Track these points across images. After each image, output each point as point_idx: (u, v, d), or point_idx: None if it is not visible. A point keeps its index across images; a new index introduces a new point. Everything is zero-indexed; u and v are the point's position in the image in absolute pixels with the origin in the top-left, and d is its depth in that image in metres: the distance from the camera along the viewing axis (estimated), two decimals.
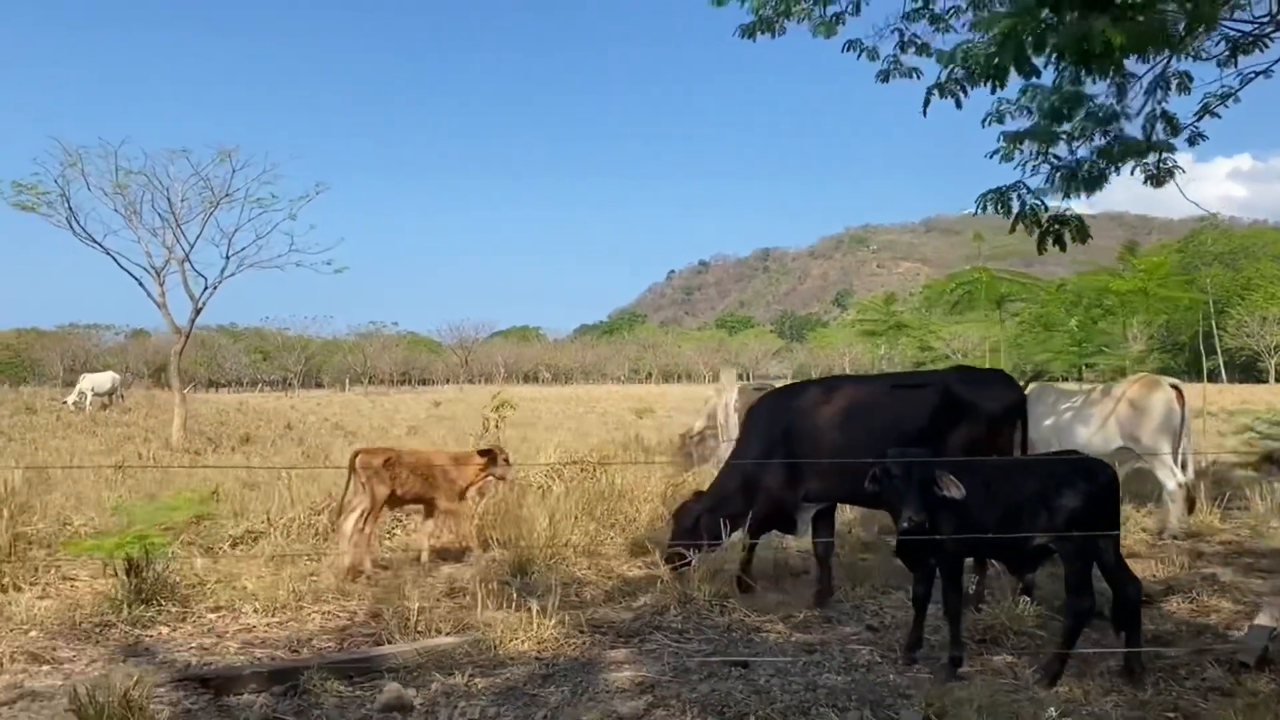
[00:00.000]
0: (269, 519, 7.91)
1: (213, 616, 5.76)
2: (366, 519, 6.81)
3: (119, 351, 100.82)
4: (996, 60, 6.00)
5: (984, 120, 8.25)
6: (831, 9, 12.51)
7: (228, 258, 19.90)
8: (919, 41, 8.11)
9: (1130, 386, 8.38)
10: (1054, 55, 5.84)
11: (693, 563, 6.12)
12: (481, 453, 7.47)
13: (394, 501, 7.13)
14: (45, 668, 4.80)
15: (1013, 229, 8.30)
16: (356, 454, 7.06)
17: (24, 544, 6.95)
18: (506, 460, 7.45)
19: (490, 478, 7.48)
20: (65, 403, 28.29)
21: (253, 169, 19.58)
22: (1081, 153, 8.26)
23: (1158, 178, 7.98)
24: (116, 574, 5.83)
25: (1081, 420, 8.42)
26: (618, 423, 28.82)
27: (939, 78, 7.38)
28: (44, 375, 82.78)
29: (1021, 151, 8.14)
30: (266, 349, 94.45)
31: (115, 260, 19.35)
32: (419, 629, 5.28)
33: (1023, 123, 8.19)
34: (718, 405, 13.89)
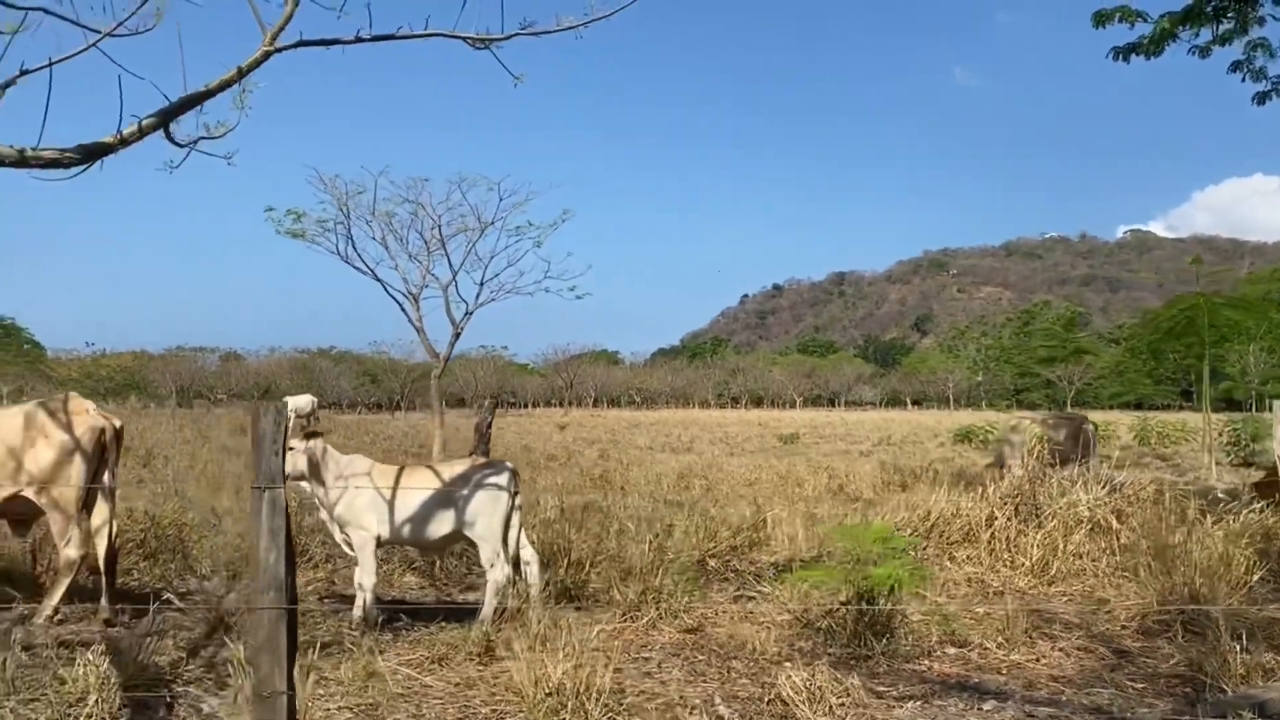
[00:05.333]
0: None
1: (953, 651, 5.70)
2: None
3: (222, 374, 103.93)
4: None
5: None
6: (1223, 28, 12.41)
7: (482, 284, 20.30)
8: None
9: None
10: None
11: None
12: None
13: None
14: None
15: None
16: None
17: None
18: None
19: None
20: None
21: (514, 197, 19.94)
22: None
23: None
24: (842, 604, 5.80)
25: None
26: (831, 449, 28.60)
27: None
28: (159, 395, 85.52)
29: None
30: (375, 372, 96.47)
31: (385, 287, 19.83)
32: None
33: None
34: (1021, 438, 14.52)
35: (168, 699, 4.74)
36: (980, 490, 8.58)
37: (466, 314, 20.04)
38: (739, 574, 7.89)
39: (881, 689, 5.06)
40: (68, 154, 3.72)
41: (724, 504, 11.23)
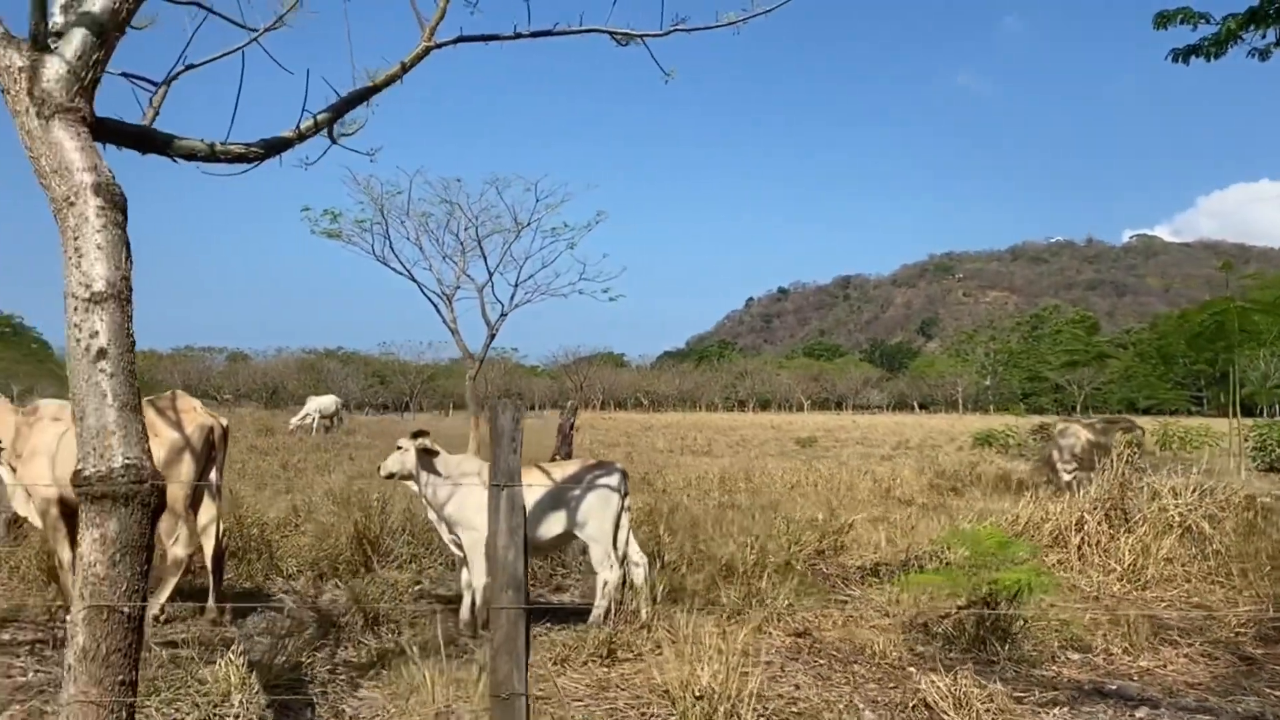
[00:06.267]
0: None
1: (1076, 657, 5.64)
2: None
3: (230, 374, 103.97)
4: None
5: None
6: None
7: (516, 285, 20.26)
8: None
9: None
10: None
11: None
12: None
13: None
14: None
15: None
16: None
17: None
18: None
19: None
20: (290, 424, 29.07)
21: (549, 198, 19.89)
22: None
23: None
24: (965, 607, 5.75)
25: None
26: (851, 453, 28.51)
27: None
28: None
29: None
30: (384, 373, 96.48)
31: (421, 288, 19.79)
32: None
33: None
34: (1072, 441, 14.75)
35: (313, 700, 4.69)
36: (1068, 496, 8.53)
37: (502, 315, 20.03)
38: (826, 577, 7.84)
39: (1019, 694, 5.01)
40: (253, 149, 3.68)
41: (784, 507, 11.16)
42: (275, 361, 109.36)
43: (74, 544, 6.54)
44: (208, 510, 6.27)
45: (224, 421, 6.41)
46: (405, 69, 4.17)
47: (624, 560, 6.28)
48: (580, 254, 20.63)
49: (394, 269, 19.48)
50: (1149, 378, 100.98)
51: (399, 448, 6.35)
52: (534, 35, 4.35)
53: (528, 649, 2.87)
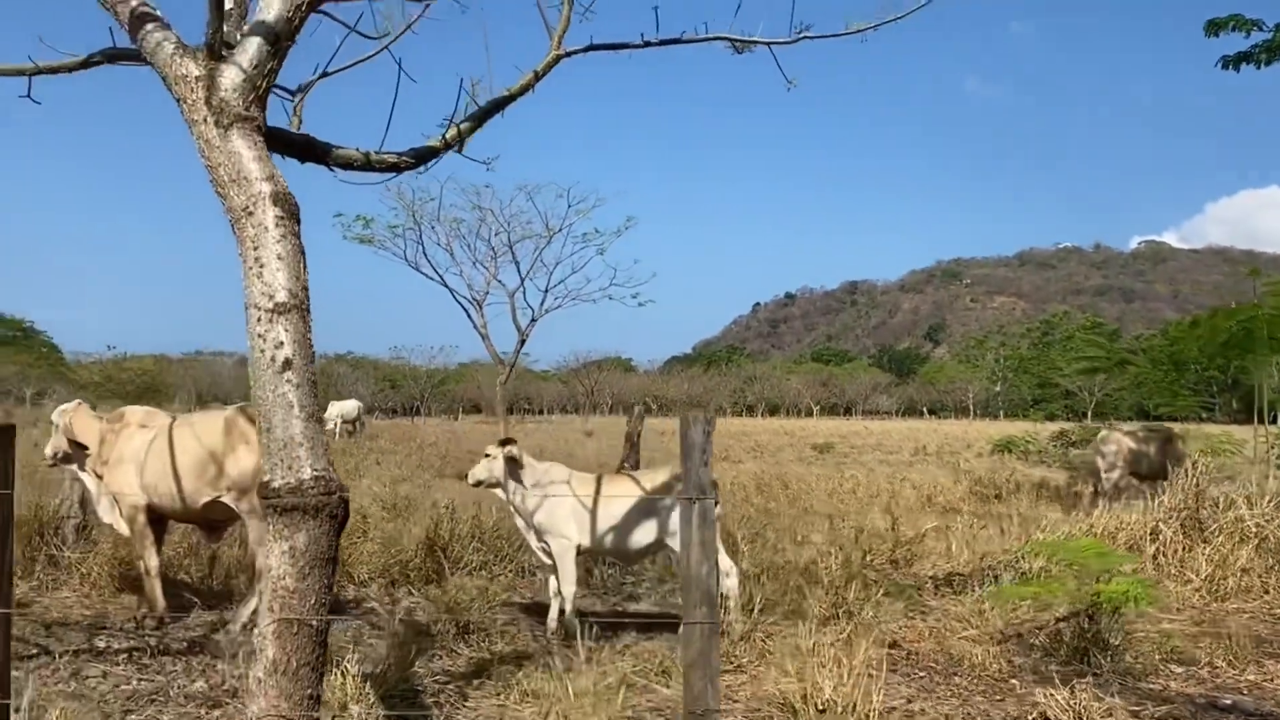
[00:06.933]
0: None
1: (1180, 670, 5.59)
2: None
3: (240, 378, 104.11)
4: None
5: None
6: None
7: (547, 290, 20.27)
8: None
9: None
10: None
11: None
12: None
13: None
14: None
15: None
16: None
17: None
18: None
19: None
20: None
21: (581, 203, 19.91)
22: None
23: None
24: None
25: None
26: (870, 459, 28.44)
27: None
28: (180, 399, 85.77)
29: None
30: (394, 378, 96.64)
31: (452, 293, 19.82)
32: None
33: None
34: (1115, 448, 14.69)
35: (429, 713, 4.67)
36: (1147, 504, 8.48)
37: (532, 320, 20.05)
38: (903, 589, 7.79)
39: (1133, 708, 4.96)
40: (405, 158, 3.67)
41: (847, 516, 11.11)
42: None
43: (159, 550, 6.55)
44: None
45: None
46: (538, 77, 4.16)
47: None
48: (610, 259, 20.62)
49: (425, 274, 19.53)
50: (1160, 384, 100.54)
51: (487, 455, 6.32)
52: (661, 44, 4.33)
53: (716, 664, 2.84)
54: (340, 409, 29.87)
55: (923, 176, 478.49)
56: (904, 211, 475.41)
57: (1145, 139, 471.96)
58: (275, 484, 2.85)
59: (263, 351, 2.91)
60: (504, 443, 6.38)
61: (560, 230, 19.65)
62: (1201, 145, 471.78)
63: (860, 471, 20.93)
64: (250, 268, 2.96)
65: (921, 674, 5.66)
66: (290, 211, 3.03)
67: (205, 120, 3.03)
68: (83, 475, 6.85)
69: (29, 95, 3.60)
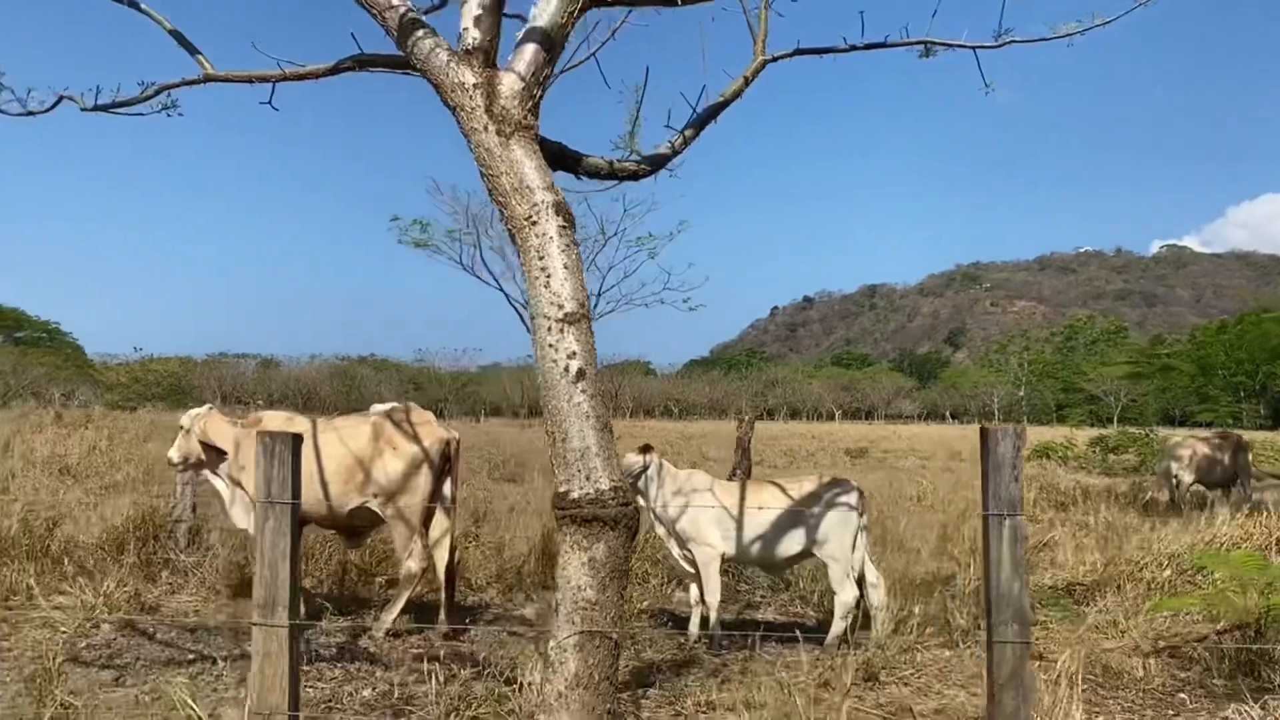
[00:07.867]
0: None
1: None
2: None
3: (262, 380, 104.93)
4: None
5: None
6: None
7: (599, 295, 20.25)
8: None
9: None
10: None
11: None
12: None
13: None
14: None
15: None
16: None
17: None
18: None
19: None
20: None
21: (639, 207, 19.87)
22: None
23: None
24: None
25: None
26: (907, 464, 28.26)
27: None
28: (201, 401, 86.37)
29: None
30: (419, 380, 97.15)
31: (507, 297, 19.80)
32: None
33: None
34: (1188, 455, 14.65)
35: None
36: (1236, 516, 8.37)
37: None
38: (1052, 595, 7.67)
39: None
40: (642, 166, 3.64)
41: (952, 523, 11.01)
42: (308, 368, 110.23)
43: (299, 557, 6.53)
44: (440, 524, 6.22)
45: (457, 435, 6.38)
46: (747, 82, 4.13)
47: (860, 581, 6.18)
48: (663, 262, 20.56)
49: (482, 279, 19.52)
50: (1189, 390, 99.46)
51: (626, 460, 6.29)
52: (867, 48, 4.30)
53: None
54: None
55: (942, 180, 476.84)
56: (923, 215, 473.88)
57: (1166, 143, 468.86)
58: (574, 494, 2.81)
59: (555, 361, 2.88)
60: (644, 449, 6.34)
61: (615, 235, 19.63)
62: (1223, 149, 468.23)
63: (923, 479, 20.77)
64: (536, 277, 2.94)
65: (1084, 688, 5.57)
66: (570, 221, 3.00)
67: (486, 129, 3.01)
68: (215, 480, 6.85)
69: (269, 102, 3.59)
